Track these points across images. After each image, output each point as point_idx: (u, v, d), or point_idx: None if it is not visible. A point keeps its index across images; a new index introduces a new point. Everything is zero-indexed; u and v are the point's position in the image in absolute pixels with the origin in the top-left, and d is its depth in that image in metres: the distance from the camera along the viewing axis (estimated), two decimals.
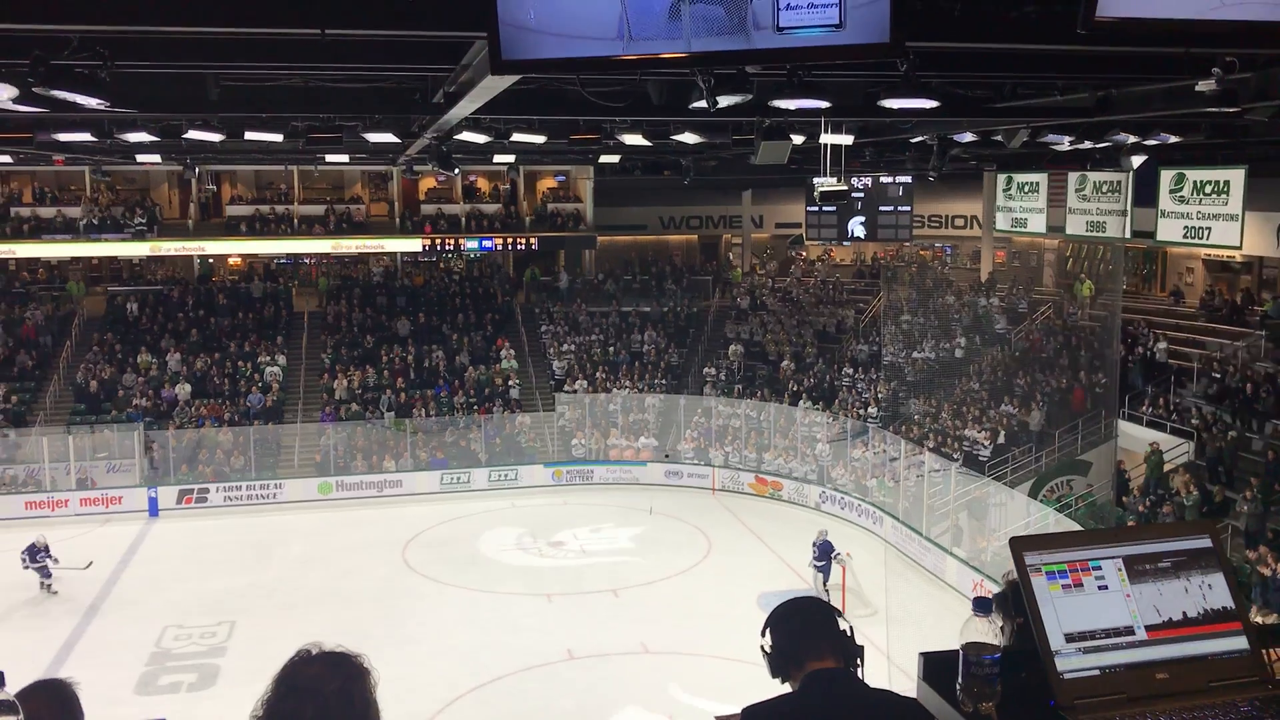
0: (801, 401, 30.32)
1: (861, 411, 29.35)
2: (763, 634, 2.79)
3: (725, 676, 16.26)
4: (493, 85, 9.53)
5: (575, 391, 32.33)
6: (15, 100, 8.64)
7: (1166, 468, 22.40)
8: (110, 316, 34.47)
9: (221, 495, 28.47)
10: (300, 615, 19.73)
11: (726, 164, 25.07)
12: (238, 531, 26.12)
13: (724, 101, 8.20)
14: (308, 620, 19.14)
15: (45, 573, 21.48)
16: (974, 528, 22.79)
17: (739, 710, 2.56)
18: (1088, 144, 17.56)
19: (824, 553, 20.81)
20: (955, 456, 25.31)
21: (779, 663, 2.74)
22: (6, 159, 25.57)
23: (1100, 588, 2.44)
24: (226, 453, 29.30)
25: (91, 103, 9.41)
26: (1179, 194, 21.94)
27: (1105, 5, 3.17)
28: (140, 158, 23.52)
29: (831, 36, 3.61)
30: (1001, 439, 25.62)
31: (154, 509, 27.70)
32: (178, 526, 26.76)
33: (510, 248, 37.12)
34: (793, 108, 10.08)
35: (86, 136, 15.73)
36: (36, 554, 21.36)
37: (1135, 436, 24.14)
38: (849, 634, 2.75)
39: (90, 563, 22.43)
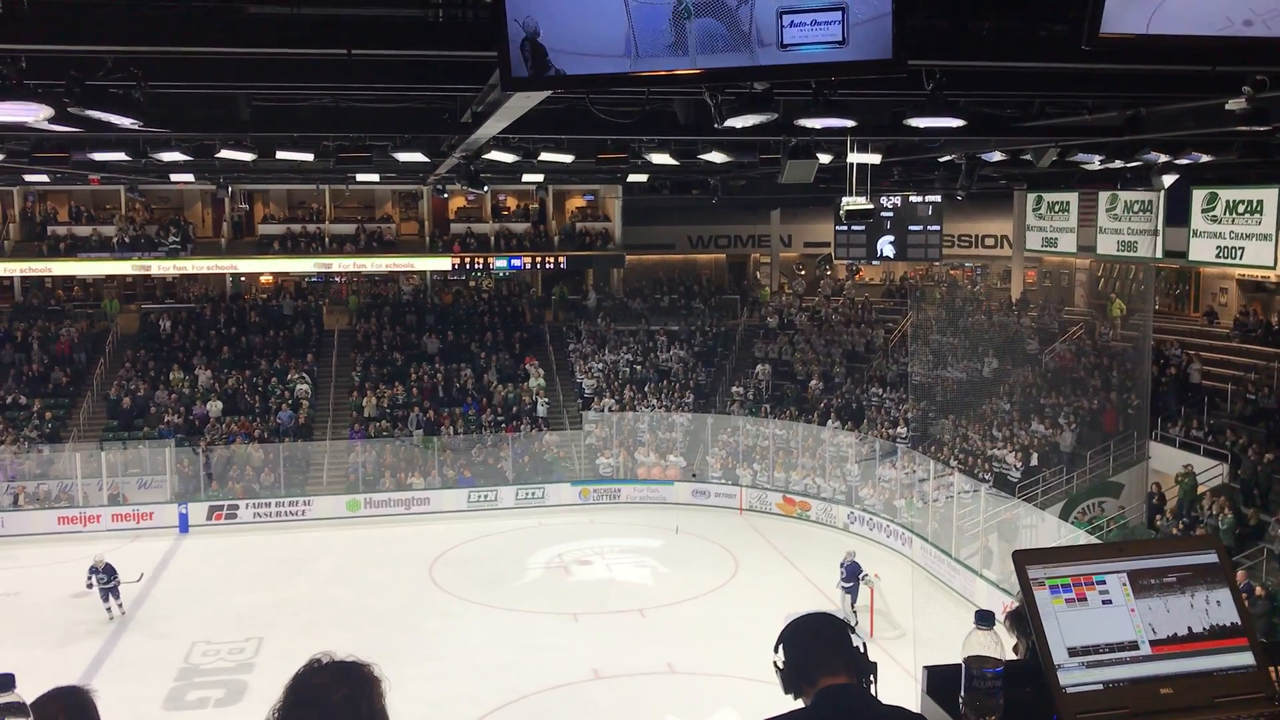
0: (830, 421, 30.20)
1: (890, 431, 29.19)
2: (775, 650, 2.80)
3: (752, 697, 16.15)
4: (519, 105, 9.62)
5: (603, 410, 32.36)
6: (51, 120, 8.78)
7: (1200, 490, 22.12)
8: (143, 334, 34.88)
9: (251, 512, 28.66)
10: (327, 632, 19.79)
11: (755, 183, 25.12)
12: (267, 548, 26.28)
13: (746, 120, 8.22)
14: (334, 637, 19.15)
15: (108, 594, 21.07)
16: (1004, 550, 22.55)
17: None
18: (1118, 163, 17.47)
19: (851, 574, 20.68)
20: (985, 477, 25.11)
21: (791, 679, 2.74)
22: (44, 178, 26.05)
23: (1104, 602, 2.42)
24: (256, 469, 29.52)
25: (125, 122, 9.58)
26: (1211, 213, 21.77)
27: (1110, 21, 3.17)
28: (174, 177, 23.86)
29: (834, 53, 3.65)
30: (1033, 460, 25.41)
31: (184, 525, 27.93)
32: (208, 543, 26.97)
33: (539, 266, 37.29)
34: (818, 126, 10.11)
35: (121, 156, 15.98)
36: (98, 574, 21.00)
37: (1168, 458, 23.86)
38: (861, 649, 2.74)
39: (141, 575, 22.65)
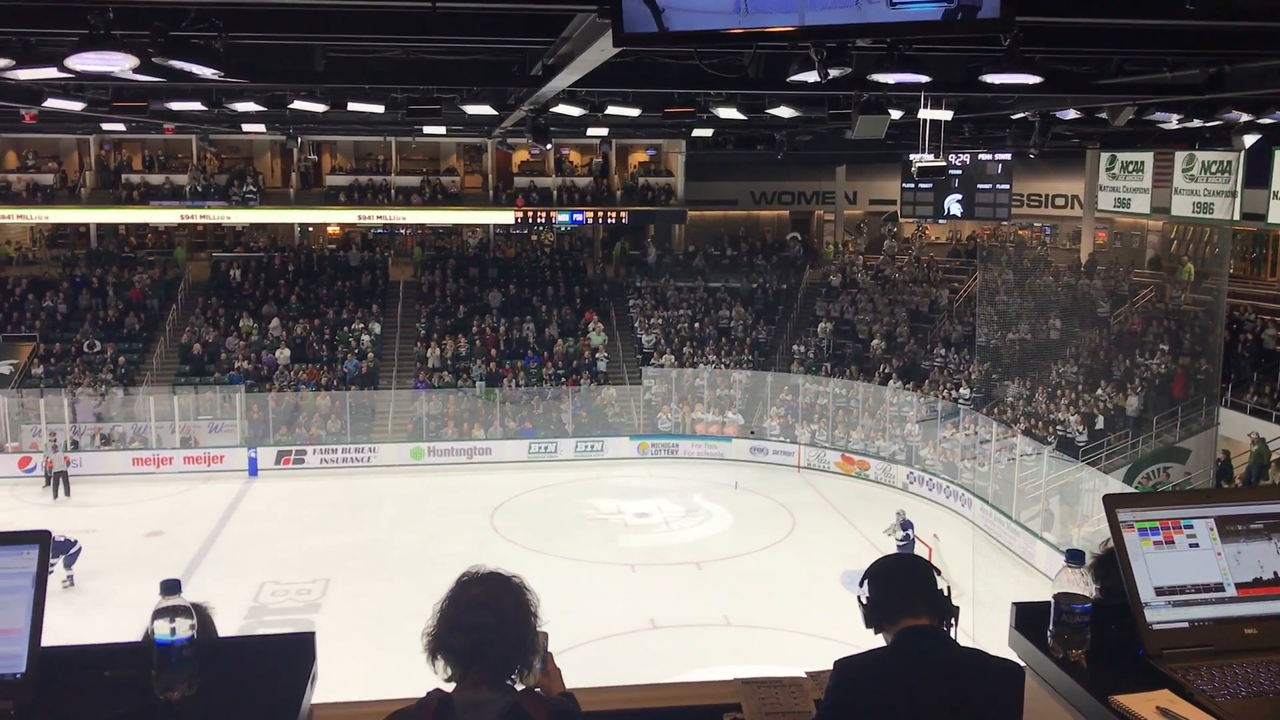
0: (891, 381, 30.04)
1: (953, 392, 28.95)
2: (860, 584, 2.87)
3: (808, 651, 16.28)
4: (592, 58, 9.63)
5: (662, 366, 32.46)
6: (135, 70, 8.97)
7: (1273, 457, 21.74)
8: (214, 281, 35.54)
9: (318, 457, 29.29)
10: (390, 575, 20.23)
11: (820, 139, 24.83)
12: (333, 493, 26.87)
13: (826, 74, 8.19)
14: (397, 580, 19.63)
15: (72, 561, 19.79)
16: (1065, 513, 22.41)
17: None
18: (1197, 122, 17.05)
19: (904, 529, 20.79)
20: (1049, 440, 24.86)
21: (874, 616, 2.81)
22: (119, 127, 26.55)
23: (1191, 545, 2.48)
24: (324, 416, 30.10)
25: (206, 72, 9.75)
26: None
27: None
28: (245, 127, 24.19)
29: (943, 11, 3.66)
30: (1098, 424, 25.09)
31: (254, 469, 28.59)
32: (275, 486, 27.61)
33: (601, 221, 37.32)
34: (892, 82, 10.04)
35: (197, 106, 16.27)
36: (66, 553, 19.51)
37: (1238, 425, 23.43)
38: (945, 593, 2.81)
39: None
